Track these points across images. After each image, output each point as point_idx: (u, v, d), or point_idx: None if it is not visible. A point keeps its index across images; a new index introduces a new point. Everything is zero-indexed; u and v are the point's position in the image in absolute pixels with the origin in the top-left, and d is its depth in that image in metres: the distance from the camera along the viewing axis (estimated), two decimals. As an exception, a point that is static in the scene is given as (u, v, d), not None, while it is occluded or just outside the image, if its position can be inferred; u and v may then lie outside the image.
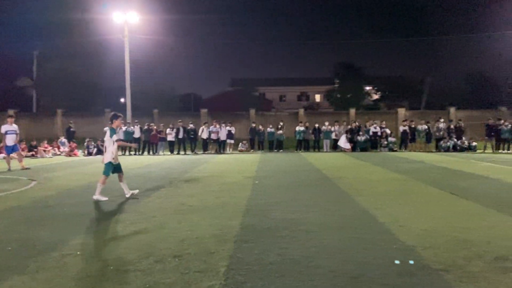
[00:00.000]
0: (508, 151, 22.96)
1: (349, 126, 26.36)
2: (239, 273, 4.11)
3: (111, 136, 8.39)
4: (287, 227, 5.95)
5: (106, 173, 8.34)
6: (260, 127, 26.87)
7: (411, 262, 4.33)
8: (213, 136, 24.77)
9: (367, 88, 52.20)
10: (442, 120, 25.84)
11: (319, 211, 7.11)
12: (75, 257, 4.68)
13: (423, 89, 48.41)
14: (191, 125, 25.45)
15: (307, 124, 26.95)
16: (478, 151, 23.91)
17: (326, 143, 26.06)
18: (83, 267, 4.38)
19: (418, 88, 48.80)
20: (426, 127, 25.02)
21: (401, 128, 25.93)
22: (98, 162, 11.11)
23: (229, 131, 25.21)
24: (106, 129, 8.79)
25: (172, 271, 4.20)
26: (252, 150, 26.23)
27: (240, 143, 26.58)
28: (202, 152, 24.96)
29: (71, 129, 26.63)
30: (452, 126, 25.41)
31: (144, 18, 32.74)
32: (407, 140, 25.21)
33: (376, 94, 53.98)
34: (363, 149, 24.92)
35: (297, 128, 26.49)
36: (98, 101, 42.07)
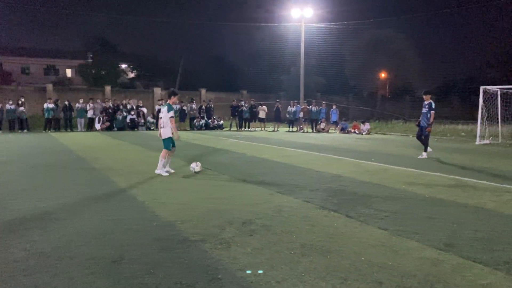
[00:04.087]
0: (249, 129, 26.55)
1: (104, 105, 25.22)
2: (-30, 281, 3.34)
3: (168, 112, 8.59)
4: (36, 218, 5.22)
5: (167, 147, 8.60)
6: (-3, 103, 22.81)
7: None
8: None
9: (123, 66, 50.99)
10: (194, 100, 27.74)
11: (74, 196, 6.53)
12: None
13: (177, 70, 50.54)
14: None
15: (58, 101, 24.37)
16: (225, 129, 26.73)
17: (81, 122, 24.26)
18: None
19: (173, 69, 50.66)
20: (180, 106, 26.32)
21: (157, 107, 26.47)
22: None
23: None
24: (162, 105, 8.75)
25: None
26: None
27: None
28: None
29: None
30: (203, 106, 27.52)
31: None
32: (163, 119, 25.96)
33: (132, 72, 53.36)
34: (120, 129, 24.35)
35: (45, 105, 23.66)
36: None
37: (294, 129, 26.47)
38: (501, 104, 18.29)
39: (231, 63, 50.87)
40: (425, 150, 12.00)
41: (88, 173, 8.83)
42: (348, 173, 8.91)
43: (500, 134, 18.17)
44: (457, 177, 8.54)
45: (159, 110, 25.44)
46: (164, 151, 8.64)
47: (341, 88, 38.84)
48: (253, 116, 26.90)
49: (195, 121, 26.45)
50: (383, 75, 47.23)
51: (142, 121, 25.46)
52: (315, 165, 10.20)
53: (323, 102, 27.55)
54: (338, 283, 3.37)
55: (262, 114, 26.83)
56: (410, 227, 4.91)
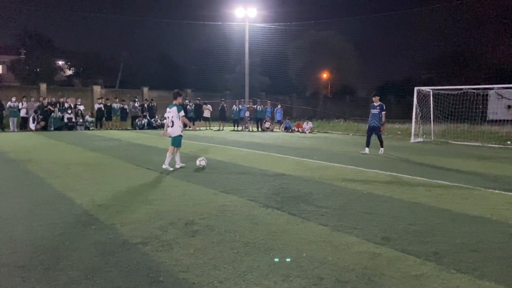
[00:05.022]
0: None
1: (38, 103, 23.83)
2: None
3: (178, 112, 9.19)
4: (-41, 224, 4.83)
5: (178, 145, 9.37)
6: None
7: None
8: None
9: (60, 62, 48.48)
10: (137, 99, 26.99)
11: (5, 200, 6.13)
12: None
13: (118, 67, 48.89)
14: None
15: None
16: (169, 128, 26.23)
17: (13, 121, 22.75)
18: None
19: (113, 66, 48.92)
20: (122, 105, 25.54)
21: (97, 106, 25.47)
22: None
23: None
24: (169, 106, 9.39)
25: None
26: None
27: None
28: None
29: None
30: (145, 105, 26.84)
31: None
32: (102, 118, 25.02)
33: (69, 69, 50.85)
34: (57, 128, 23.16)
35: (-28, 104, 21.99)
36: None
37: (239, 128, 26.56)
38: (433, 104, 19.46)
39: (175, 61, 50.06)
40: (382, 146, 13.05)
41: (21, 176, 8.31)
42: (292, 171, 9.07)
43: (432, 132, 19.31)
44: (393, 173, 8.97)
45: (99, 109, 24.63)
46: (171, 147, 9.29)
47: (285, 87, 39.53)
48: (198, 115, 26.65)
49: (137, 120, 25.74)
50: (325, 75, 48.62)
51: (81, 120, 24.37)
52: (259, 163, 10.28)
53: (268, 102, 27.90)
54: (280, 280, 3.42)
55: (207, 113, 26.65)
56: (349, 223, 5.09)
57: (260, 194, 6.69)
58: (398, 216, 5.45)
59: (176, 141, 9.34)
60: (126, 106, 25.76)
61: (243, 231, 4.71)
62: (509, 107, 31.92)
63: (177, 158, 9.50)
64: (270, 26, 35.09)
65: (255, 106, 26.44)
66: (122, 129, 24.57)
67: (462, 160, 11.65)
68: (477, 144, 17.20)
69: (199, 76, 40.13)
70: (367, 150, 12.92)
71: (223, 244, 4.28)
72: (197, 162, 9.49)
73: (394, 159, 11.74)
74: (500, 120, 22.22)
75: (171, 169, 9.09)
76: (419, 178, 8.41)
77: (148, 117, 26.14)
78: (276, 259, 3.85)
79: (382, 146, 13.06)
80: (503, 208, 5.95)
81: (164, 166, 9.13)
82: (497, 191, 7.19)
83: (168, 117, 9.38)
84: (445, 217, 5.44)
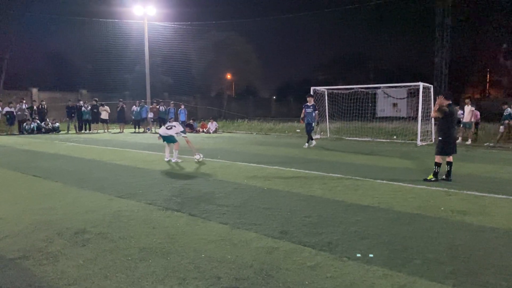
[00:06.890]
0: (90, 131, 24.69)
1: None
2: None
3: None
4: None
5: (174, 140, 10.53)
6: None
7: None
8: None
9: None
10: (24, 101, 24.60)
11: None
12: None
13: (0, 67, 44.21)
14: None
15: None
16: (62, 132, 24.35)
17: None
18: None
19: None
20: (8, 108, 23.09)
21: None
22: None
23: None
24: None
25: None
26: None
27: None
28: None
29: None
30: (35, 107, 24.60)
31: None
32: (-16, 122, 22.39)
33: None
34: None
35: None
36: None
37: (141, 129, 25.59)
38: (328, 102, 20.63)
39: (68, 60, 46.57)
40: (312, 139, 14.93)
41: None
42: (194, 172, 8.92)
43: (328, 130, 20.47)
44: (292, 169, 9.28)
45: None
46: (177, 144, 10.54)
47: (188, 88, 39.10)
48: (95, 117, 25.09)
49: (25, 124, 23.44)
50: (228, 76, 49.10)
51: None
52: (160, 166, 9.95)
53: (171, 102, 27.28)
54: (176, 284, 3.28)
55: (104, 115, 25.20)
56: (249, 219, 5.11)
57: (159, 196, 6.45)
58: (295, 209, 5.62)
59: (173, 138, 10.46)
60: (12, 109, 23.31)
61: (139, 237, 4.47)
62: (394, 105, 35.19)
63: (167, 151, 10.77)
64: (170, 25, 34.41)
65: (158, 106, 25.68)
66: (8, 134, 22.20)
67: (354, 155, 12.48)
68: (367, 139, 18.60)
69: (95, 76, 37.91)
70: (313, 142, 14.88)
71: (116, 251, 4.01)
72: (195, 158, 10.53)
73: (293, 155, 12.18)
74: (387, 117, 24.32)
75: (180, 160, 10.49)
76: (315, 172, 8.81)
77: (38, 121, 23.96)
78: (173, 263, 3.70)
79: (307, 141, 14.84)
80: (389, 197, 6.46)
81: (174, 160, 10.46)
82: (384, 181, 7.80)
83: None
84: (338, 208, 5.73)
